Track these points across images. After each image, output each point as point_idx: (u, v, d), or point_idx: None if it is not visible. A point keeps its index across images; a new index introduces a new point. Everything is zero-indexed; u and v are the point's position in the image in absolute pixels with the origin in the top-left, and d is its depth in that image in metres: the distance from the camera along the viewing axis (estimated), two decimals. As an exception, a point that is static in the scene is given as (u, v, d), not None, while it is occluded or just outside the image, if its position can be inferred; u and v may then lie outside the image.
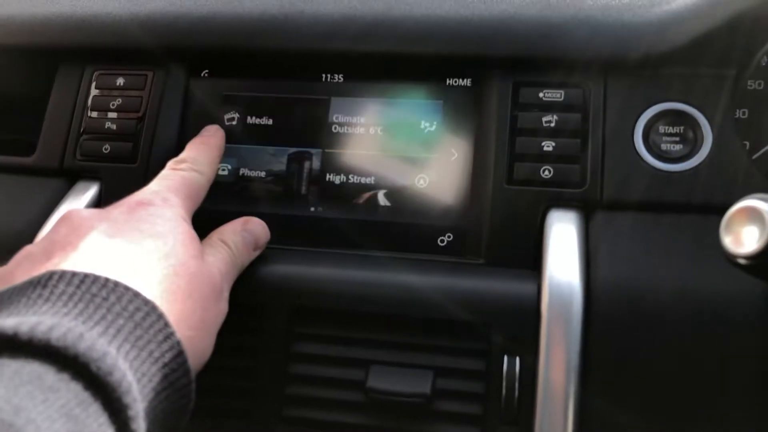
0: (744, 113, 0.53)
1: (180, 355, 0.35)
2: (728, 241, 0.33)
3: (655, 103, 0.52)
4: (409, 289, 0.49)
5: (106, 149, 0.59)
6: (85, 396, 0.29)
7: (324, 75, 0.59)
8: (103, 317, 0.33)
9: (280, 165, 0.58)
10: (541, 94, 0.54)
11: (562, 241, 0.50)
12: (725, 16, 0.50)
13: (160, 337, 0.35)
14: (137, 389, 0.32)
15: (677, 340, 0.44)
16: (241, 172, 0.58)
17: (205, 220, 0.57)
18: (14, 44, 0.64)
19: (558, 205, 0.52)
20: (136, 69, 0.61)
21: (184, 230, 0.44)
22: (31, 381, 0.28)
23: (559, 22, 0.54)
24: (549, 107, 0.53)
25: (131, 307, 0.34)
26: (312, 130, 0.58)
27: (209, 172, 0.53)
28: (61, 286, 0.33)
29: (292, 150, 0.58)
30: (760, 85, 0.53)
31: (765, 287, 0.42)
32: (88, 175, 0.60)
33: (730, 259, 0.34)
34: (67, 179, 0.60)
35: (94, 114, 0.61)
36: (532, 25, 0.54)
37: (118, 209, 0.43)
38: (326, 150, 0.57)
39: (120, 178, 0.59)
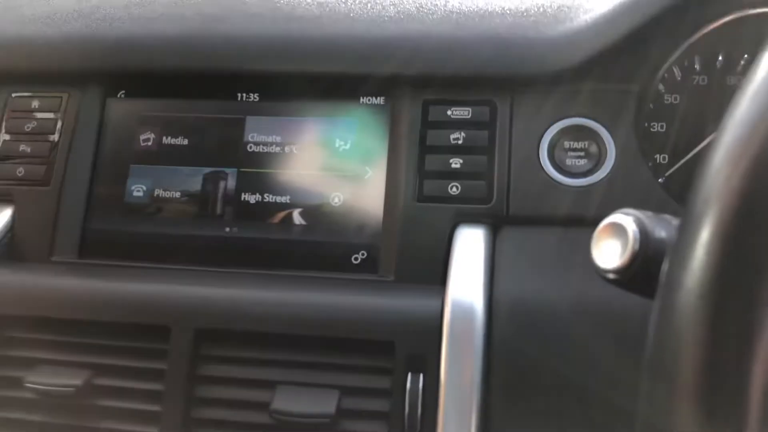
0: (662, 126, 0.54)
1: None
2: (596, 256, 0.34)
3: (560, 119, 0.53)
4: (315, 308, 0.49)
5: (19, 172, 0.59)
6: None
7: (239, 94, 0.59)
8: None
9: (196, 185, 0.58)
10: (449, 112, 0.54)
11: (467, 256, 0.50)
12: (623, 32, 0.51)
13: None
14: None
15: (574, 352, 0.45)
16: (156, 193, 0.58)
17: (120, 243, 0.57)
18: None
19: (466, 220, 0.52)
20: (52, 91, 0.61)
21: None
22: None
23: (466, 40, 0.55)
24: (457, 124, 0.54)
25: None
26: (227, 150, 0.58)
27: None
28: None
29: (208, 170, 0.58)
30: (676, 99, 0.55)
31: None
32: (1, 199, 0.59)
33: (600, 274, 0.34)
34: (-20, 202, 0.59)
35: (8, 137, 0.60)
36: (440, 44, 0.55)
37: None
38: (242, 169, 0.57)
39: (33, 200, 0.58)
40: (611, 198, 0.51)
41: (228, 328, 0.49)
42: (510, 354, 0.46)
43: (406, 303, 0.49)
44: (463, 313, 0.47)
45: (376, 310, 0.48)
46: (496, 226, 0.52)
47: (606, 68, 0.53)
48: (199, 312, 0.50)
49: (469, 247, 0.51)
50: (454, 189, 0.53)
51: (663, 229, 0.33)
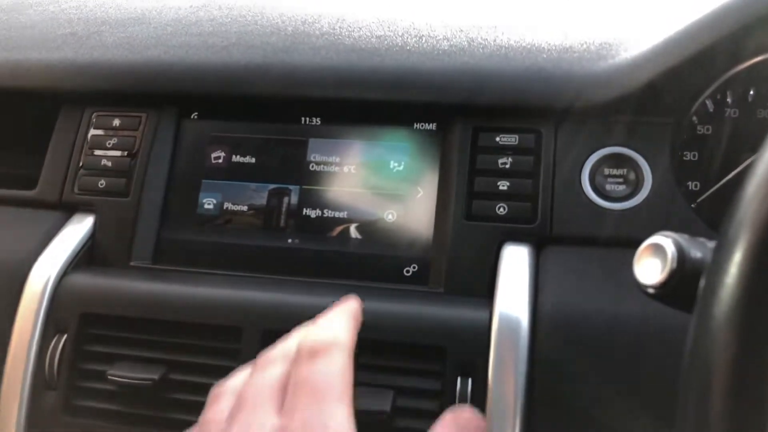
0: (695, 156, 0.59)
1: None
2: (638, 273, 0.38)
3: (601, 147, 0.57)
4: (373, 315, 0.53)
5: (101, 184, 0.65)
6: None
7: (303, 118, 0.64)
8: None
9: (261, 200, 0.63)
10: (497, 138, 0.59)
11: (513, 272, 0.54)
12: (661, 70, 0.56)
13: None
14: None
15: (612, 361, 0.49)
16: (225, 206, 0.64)
17: (192, 251, 0.62)
18: (21, 87, 0.70)
19: (512, 239, 0.57)
20: (132, 111, 0.67)
21: None
22: None
23: (514, 73, 0.60)
24: (504, 150, 0.59)
25: None
26: (291, 168, 0.63)
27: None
28: None
29: (273, 186, 0.63)
30: (708, 129, 0.59)
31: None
32: (85, 208, 0.65)
33: (641, 289, 0.38)
34: (65, 211, 0.65)
35: (92, 152, 0.66)
36: (490, 76, 0.60)
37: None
38: (304, 186, 0.63)
39: (113, 210, 0.64)
40: (648, 221, 0.55)
41: (293, 329, 0.54)
42: (552, 364, 0.50)
43: (457, 312, 0.53)
44: (509, 324, 0.51)
45: (429, 318, 0.53)
46: (539, 244, 0.56)
47: (644, 102, 0.57)
48: (267, 315, 0.55)
49: (515, 264, 0.55)
50: (501, 209, 0.57)
51: (699, 249, 0.37)
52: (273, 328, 0.54)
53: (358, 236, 0.61)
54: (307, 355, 0.37)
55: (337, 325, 0.41)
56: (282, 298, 0.56)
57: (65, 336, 0.57)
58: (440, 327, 0.52)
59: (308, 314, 0.54)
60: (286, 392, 0.37)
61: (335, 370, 0.37)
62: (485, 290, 0.55)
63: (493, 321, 0.52)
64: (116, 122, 0.67)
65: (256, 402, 0.37)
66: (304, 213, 0.62)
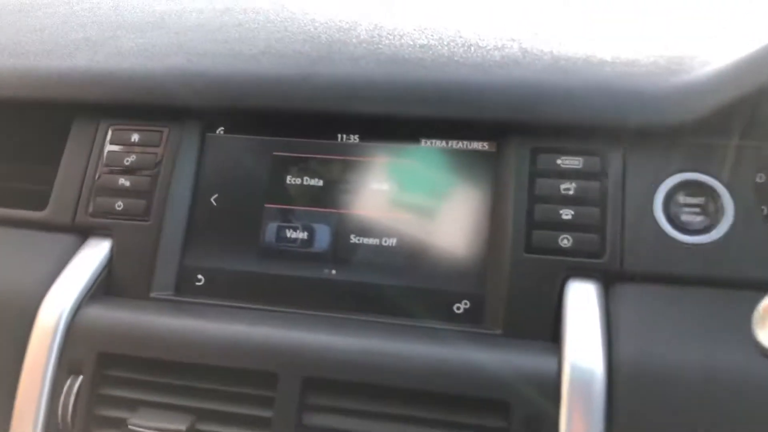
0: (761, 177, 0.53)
1: None
2: (763, 337, 0.33)
3: (675, 173, 0.52)
4: (426, 361, 0.48)
5: (119, 206, 0.59)
6: None
7: (339, 135, 0.59)
8: None
9: (295, 225, 0.57)
10: (559, 161, 0.53)
11: (582, 313, 0.49)
12: (746, 89, 0.50)
13: None
14: None
15: (706, 421, 0.43)
16: (254, 232, 0.58)
17: (218, 281, 0.57)
18: (30, 97, 0.64)
19: (577, 274, 0.51)
20: (152, 125, 0.61)
21: None
22: None
23: (577, 89, 0.54)
24: (567, 174, 0.53)
25: None
26: (326, 192, 0.58)
27: None
28: None
29: (307, 210, 0.58)
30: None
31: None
32: (100, 232, 0.59)
33: (765, 354, 0.33)
34: (79, 235, 0.60)
35: (108, 170, 0.60)
36: (549, 91, 0.54)
37: None
38: (343, 211, 0.57)
39: (132, 235, 0.58)
40: (730, 257, 0.49)
41: (336, 378, 0.48)
42: (634, 423, 0.44)
43: (521, 361, 0.47)
44: (582, 375, 0.45)
45: (489, 367, 0.47)
46: (608, 281, 0.51)
47: (725, 124, 0.51)
48: (308, 360, 0.49)
49: (583, 304, 0.49)
50: (565, 241, 0.51)
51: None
52: (314, 375, 0.48)
53: (403, 267, 0.55)
54: None
55: None
56: (323, 341, 0.50)
57: (80, 378, 0.51)
58: (503, 378, 0.46)
59: (354, 360, 0.49)
60: None
61: None
62: (549, 333, 0.50)
63: (564, 372, 0.46)
64: (135, 137, 0.61)
65: None
66: (340, 240, 0.56)
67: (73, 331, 0.53)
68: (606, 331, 0.48)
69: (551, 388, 0.46)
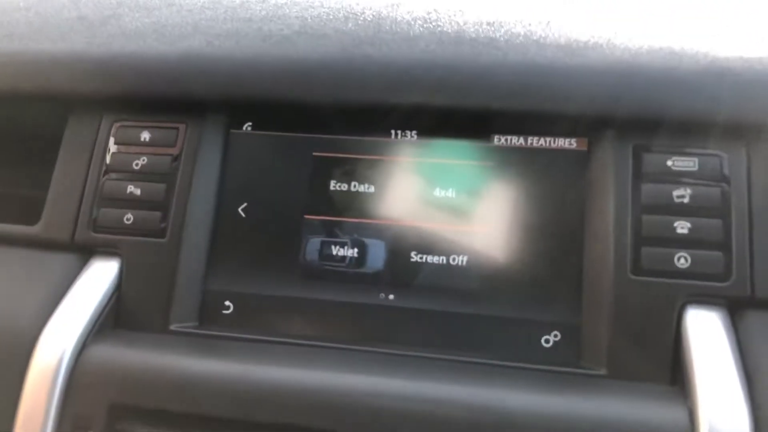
0: None
1: None
2: None
3: (813, 176, 0.43)
4: (512, 414, 0.38)
5: (128, 219, 0.49)
6: None
7: (393, 131, 0.49)
8: None
9: (341, 240, 0.48)
10: (669, 162, 0.44)
11: (712, 351, 0.40)
12: None
13: None
14: None
15: None
16: (293, 249, 0.48)
17: (251, 309, 0.47)
18: (17, 88, 0.54)
19: (697, 301, 0.42)
20: (165, 121, 0.51)
21: None
22: None
23: (690, 76, 0.44)
24: (681, 178, 0.44)
25: None
26: (379, 200, 0.48)
27: None
28: None
29: (356, 222, 0.48)
30: None
31: None
32: (106, 251, 0.49)
33: None
34: (80, 255, 0.50)
35: (113, 176, 0.50)
36: (656, 78, 0.45)
37: None
38: (400, 223, 0.47)
39: (145, 254, 0.48)
40: None
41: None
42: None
43: (640, 412, 0.38)
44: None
45: (602, 422, 0.38)
46: (735, 309, 0.42)
47: None
48: (368, 415, 0.39)
49: (710, 338, 0.40)
50: (683, 261, 0.42)
51: None
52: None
53: (477, 291, 0.46)
54: None
55: None
56: (387, 388, 0.40)
57: (88, 436, 0.42)
58: (625, 436, 0.37)
59: (422, 415, 0.39)
60: None
61: None
62: (668, 375, 0.41)
63: (699, 427, 0.37)
64: (145, 136, 0.51)
65: None
66: (398, 259, 0.47)
67: (78, 376, 0.43)
68: (743, 375, 0.39)
69: (685, 450, 0.37)
